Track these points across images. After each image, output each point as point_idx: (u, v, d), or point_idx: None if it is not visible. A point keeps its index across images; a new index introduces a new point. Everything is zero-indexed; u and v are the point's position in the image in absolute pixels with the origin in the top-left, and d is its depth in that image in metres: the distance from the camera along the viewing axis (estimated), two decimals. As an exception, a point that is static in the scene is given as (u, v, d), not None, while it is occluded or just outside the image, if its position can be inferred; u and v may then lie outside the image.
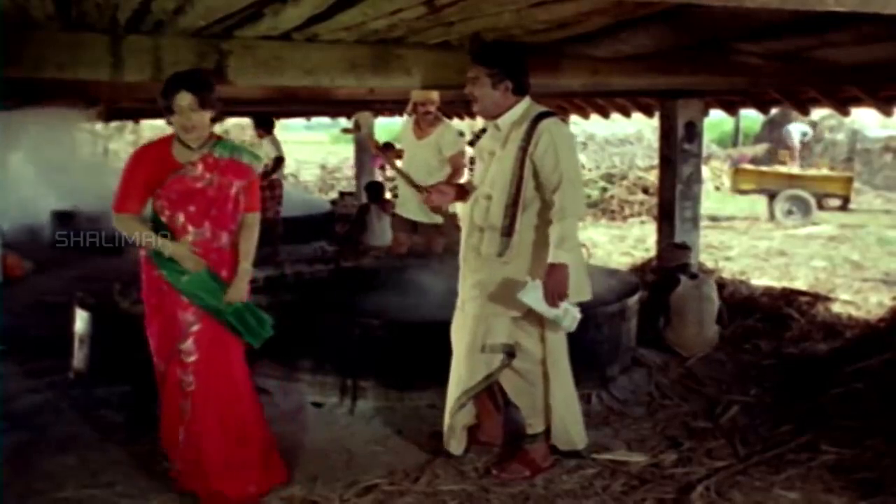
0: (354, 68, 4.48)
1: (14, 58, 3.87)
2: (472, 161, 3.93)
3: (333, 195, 14.60)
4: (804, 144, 17.79)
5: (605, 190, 14.56)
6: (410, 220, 6.09)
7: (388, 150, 7.37)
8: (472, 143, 3.78)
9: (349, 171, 17.09)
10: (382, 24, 3.93)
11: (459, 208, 3.97)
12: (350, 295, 5.28)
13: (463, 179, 5.43)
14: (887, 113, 6.18)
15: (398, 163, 6.21)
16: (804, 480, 3.51)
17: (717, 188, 17.82)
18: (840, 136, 19.93)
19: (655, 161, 9.18)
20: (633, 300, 4.93)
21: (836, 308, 6.61)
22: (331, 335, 4.38)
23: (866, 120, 18.99)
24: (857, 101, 6.32)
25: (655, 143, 8.78)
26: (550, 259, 3.29)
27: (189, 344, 3.17)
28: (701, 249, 7.27)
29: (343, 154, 20.37)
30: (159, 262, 3.16)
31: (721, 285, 6.50)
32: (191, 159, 3.17)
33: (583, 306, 3.43)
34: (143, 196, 3.18)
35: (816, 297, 6.86)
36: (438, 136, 5.88)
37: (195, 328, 3.17)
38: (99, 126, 12.82)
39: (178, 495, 3.29)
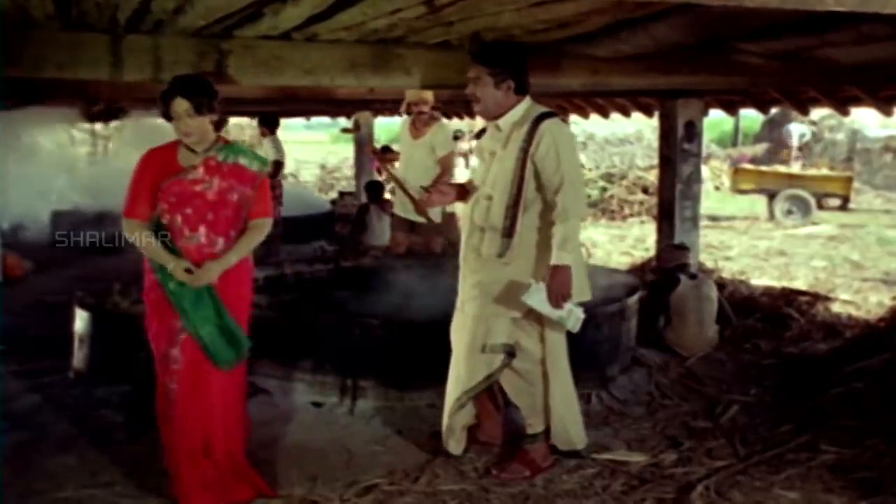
0: (354, 68, 4.48)
1: (14, 58, 3.87)
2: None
3: (333, 195, 14.59)
4: (805, 144, 17.78)
5: (604, 190, 14.56)
6: (408, 220, 6.10)
7: (385, 154, 7.38)
8: (478, 137, 3.77)
9: (349, 170, 17.09)
10: (382, 24, 3.93)
11: (460, 208, 3.97)
12: (350, 295, 5.27)
13: (453, 180, 5.43)
14: (887, 113, 6.18)
15: (395, 164, 6.22)
16: (804, 480, 3.51)
17: (717, 188, 17.82)
18: (840, 136, 19.94)
19: (655, 161, 9.18)
20: (633, 300, 4.93)
21: (836, 308, 6.61)
22: (331, 335, 4.38)
23: (866, 120, 18.99)
24: (857, 101, 6.32)
25: (655, 143, 8.77)
26: (554, 261, 3.29)
27: (176, 351, 3.16)
28: (701, 249, 7.27)
29: (343, 154, 20.37)
30: (155, 265, 3.17)
31: (721, 285, 6.50)
32: (193, 162, 3.17)
33: (583, 306, 3.43)
34: (151, 200, 3.17)
35: (816, 297, 6.86)
36: (432, 136, 5.88)
37: (182, 336, 3.16)
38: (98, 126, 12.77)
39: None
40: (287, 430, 3.96)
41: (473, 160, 3.90)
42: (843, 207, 14.40)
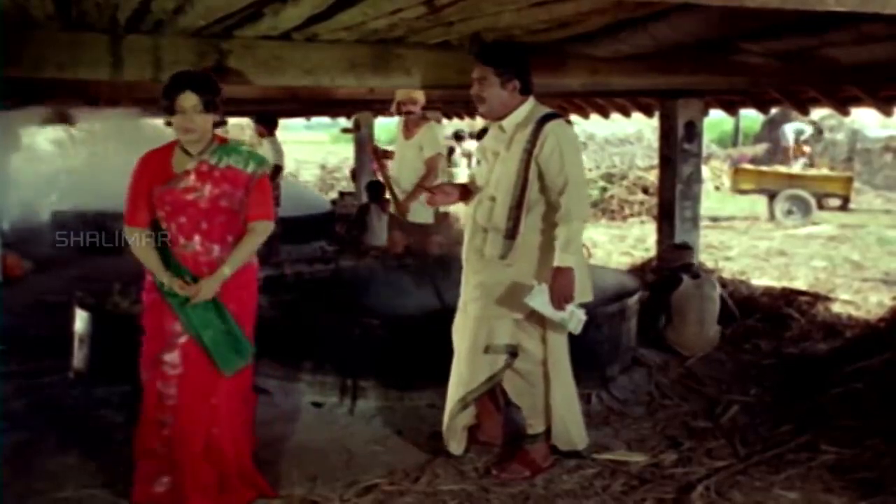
0: (354, 68, 4.48)
1: (14, 58, 3.87)
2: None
3: (333, 195, 14.59)
4: (804, 142, 17.76)
5: (605, 190, 14.54)
6: (407, 220, 6.09)
7: (382, 155, 7.37)
8: (479, 137, 3.77)
9: (349, 170, 17.07)
10: (382, 24, 3.93)
11: (463, 209, 3.97)
12: (350, 295, 5.27)
13: (436, 182, 5.40)
14: (887, 113, 6.18)
15: (390, 164, 6.22)
16: (804, 480, 3.51)
17: (717, 188, 17.80)
18: (840, 136, 19.92)
19: (655, 161, 9.17)
20: (633, 300, 4.93)
21: (836, 308, 6.61)
22: (331, 335, 4.38)
23: (866, 120, 18.97)
24: (857, 101, 6.32)
25: (655, 143, 8.77)
26: (557, 262, 3.29)
27: (174, 356, 3.10)
28: (701, 249, 7.27)
29: (343, 154, 20.36)
30: None
31: (721, 285, 6.49)
32: (187, 167, 3.09)
33: (583, 306, 3.43)
34: (149, 205, 3.13)
35: (816, 297, 6.86)
36: (421, 136, 5.87)
37: (182, 339, 3.10)
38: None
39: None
40: (287, 430, 3.96)
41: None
42: (844, 207, 14.38)
